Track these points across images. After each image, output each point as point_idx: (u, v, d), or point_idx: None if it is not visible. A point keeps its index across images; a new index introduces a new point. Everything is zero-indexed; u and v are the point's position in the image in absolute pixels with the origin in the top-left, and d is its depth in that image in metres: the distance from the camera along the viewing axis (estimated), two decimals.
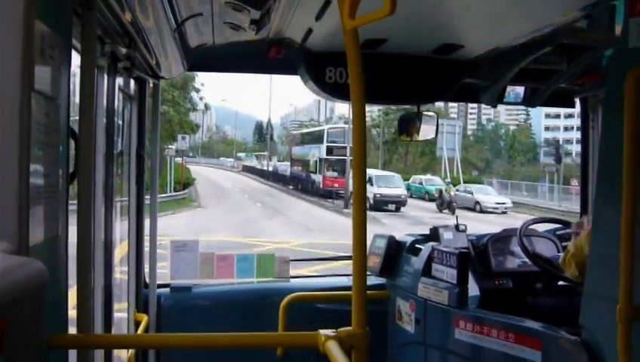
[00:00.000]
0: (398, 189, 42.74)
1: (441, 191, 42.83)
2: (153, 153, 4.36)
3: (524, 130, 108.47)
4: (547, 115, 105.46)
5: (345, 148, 43.04)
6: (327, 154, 47.65)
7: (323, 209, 40.14)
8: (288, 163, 71.21)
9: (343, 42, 1.89)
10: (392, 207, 40.65)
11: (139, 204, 4.08)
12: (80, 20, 2.12)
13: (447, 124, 55.92)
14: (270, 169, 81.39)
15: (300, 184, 54.18)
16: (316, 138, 50.93)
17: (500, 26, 3.45)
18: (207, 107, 57.40)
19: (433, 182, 52.15)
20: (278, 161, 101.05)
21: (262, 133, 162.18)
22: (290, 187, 57.07)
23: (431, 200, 47.10)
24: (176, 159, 49.41)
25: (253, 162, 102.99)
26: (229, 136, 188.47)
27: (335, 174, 47.11)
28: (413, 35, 3.66)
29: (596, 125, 4.67)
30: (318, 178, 48.81)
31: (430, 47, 3.90)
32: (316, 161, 49.24)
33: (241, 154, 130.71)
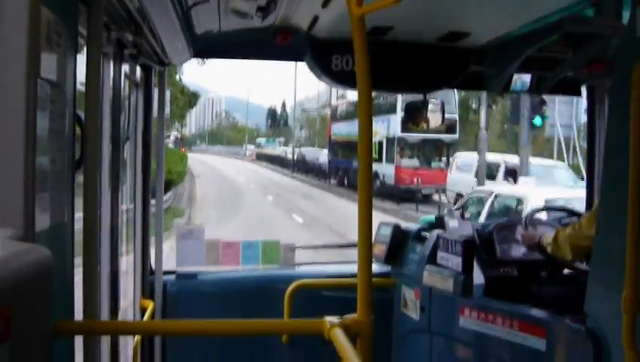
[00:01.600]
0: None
1: None
2: (160, 139, 4.36)
3: None
4: None
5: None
6: (403, 131, 30.07)
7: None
8: (311, 148, 61.79)
9: (350, 30, 1.89)
10: None
11: (145, 190, 4.09)
12: (86, 7, 2.12)
13: None
14: (289, 156, 62.89)
15: (348, 177, 36.68)
16: (380, 109, 30.68)
17: (507, 13, 3.43)
18: (194, 97, 49.63)
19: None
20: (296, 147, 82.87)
21: (275, 119, 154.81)
22: (332, 182, 40.97)
23: None
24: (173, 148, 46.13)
25: (277, 150, 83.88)
26: (240, 123, 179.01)
27: (416, 163, 31.60)
28: (420, 22, 3.65)
29: (603, 114, 4.65)
30: (386, 169, 31.93)
31: (436, 34, 3.89)
32: (381, 144, 32.12)
33: (261, 140, 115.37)
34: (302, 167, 53.40)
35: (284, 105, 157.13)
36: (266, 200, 32.50)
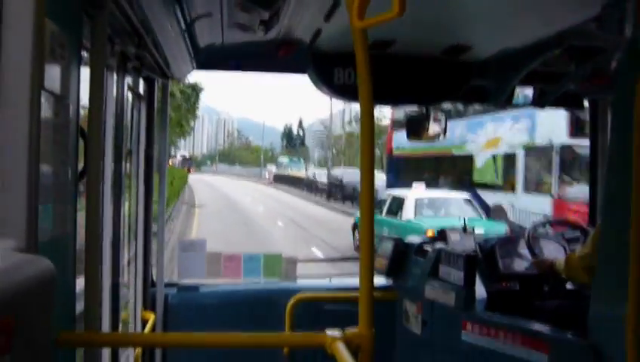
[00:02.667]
0: None
1: None
2: (162, 152, 4.38)
3: None
4: None
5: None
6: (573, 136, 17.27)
7: None
8: (350, 169, 48.27)
9: (352, 43, 1.89)
10: None
11: (147, 203, 4.10)
12: (90, 20, 2.13)
13: None
14: (318, 178, 52.47)
15: None
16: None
17: (509, 27, 3.44)
18: (195, 93, 42.68)
19: None
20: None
21: (292, 138, 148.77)
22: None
23: None
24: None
25: (301, 171, 73.85)
26: (253, 143, 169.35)
27: (578, 193, 16.26)
28: (422, 36, 3.66)
29: (605, 128, 4.65)
30: (526, 202, 18.83)
31: (439, 48, 3.90)
32: (511, 159, 20.23)
33: (283, 159, 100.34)
34: (337, 192, 42.40)
35: (300, 123, 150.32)
36: (310, 251, 18.99)
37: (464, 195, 18.58)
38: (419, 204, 17.63)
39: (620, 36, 3.22)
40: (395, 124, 28.77)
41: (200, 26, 3.38)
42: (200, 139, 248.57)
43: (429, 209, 17.74)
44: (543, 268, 3.90)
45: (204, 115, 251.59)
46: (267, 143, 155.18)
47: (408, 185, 19.73)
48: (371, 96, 1.92)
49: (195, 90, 42.78)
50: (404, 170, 27.34)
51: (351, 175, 42.74)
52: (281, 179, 66.68)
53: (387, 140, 31.73)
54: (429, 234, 9.60)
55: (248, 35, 3.61)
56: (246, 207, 37.63)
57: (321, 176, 53.83)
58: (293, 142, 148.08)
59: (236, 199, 44.01)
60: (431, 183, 22.32)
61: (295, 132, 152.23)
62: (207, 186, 54.74)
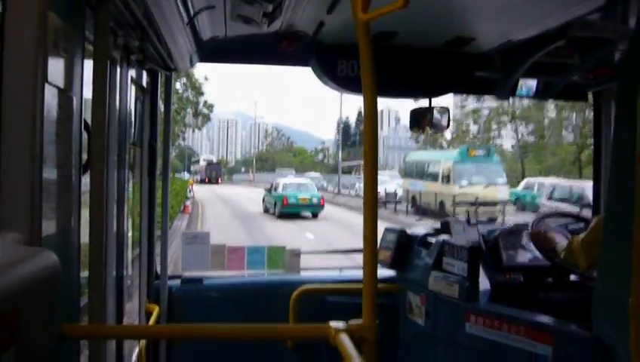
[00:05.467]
0: None
1: None
2: (165, 145, 4.38)
3: None
4: None
5: None
6: None
7: None
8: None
9: (355, 35, 1.89)
10: None
11: (151, 195, 4.10)
12: (93, 13, 2.13)
13: None
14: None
15: None
16: None
17: (512, 18, 3.43)
18: (206, 117, 41.07)
19: None
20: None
21: (349, 135, 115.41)
22: None
23: None
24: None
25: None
26: (295, 144, 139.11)
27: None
28: (425, 28, 3.65)
29: (609, 119, 4.64)
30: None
31: (442, 40, 3.89)
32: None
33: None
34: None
35: (360, 115, 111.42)
36: None
37: (307, 180, 38.69)
38: (284, 184, 35.94)
39: (625, 27, 3.21)
40: None
41: (203, 18, 3.38)
42: (233, 144, 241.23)
43: (289, 188, 35.21)
44: (545, 244, 3.84)
45: (237, 120, 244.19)
46: (310, 147, 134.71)
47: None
48: (375, 88, 1.92)
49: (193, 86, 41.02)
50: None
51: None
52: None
53: None
54: (284, 201, 32.82)
55: (251, 28, 3.61)
56: None
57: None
58: (351, 138, 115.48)
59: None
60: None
61: (353, 126, 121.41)
62: (234, 219, 31.23)
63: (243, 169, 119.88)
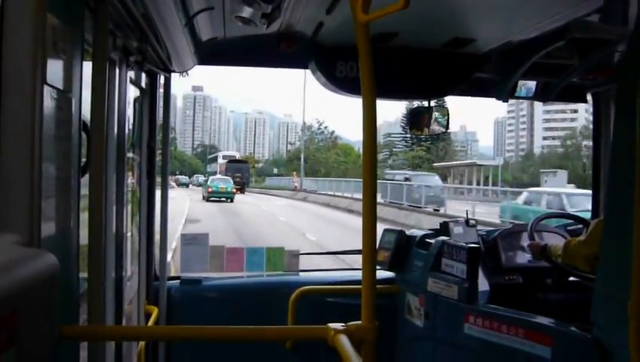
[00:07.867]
0: None
1: None
2: (164, 146, 4.38)
3: None
4: None
5: None
6: None
7: None
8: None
9: (354, 36, 1.89)
10: None
11: (150, 197, 4.10)
12: (92, 14, 2.13)
13: None
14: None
15: None
16: None
17: (512, 19, 3.43)
18: None
19: None
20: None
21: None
22: None
23: None
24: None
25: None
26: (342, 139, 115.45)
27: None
28: (425, 28, 3.65)
29: (609, 121, 4.64)
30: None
31: (441, 40, 3.89)
32: None
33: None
34: None
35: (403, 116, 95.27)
36: None
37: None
38: (213, 179, 53.65)
39: (624, 28, 3.21)
40: None
41: (202, 19, 3.38)
42: (260, 144, 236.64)
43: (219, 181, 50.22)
44: (537, 249, 3.88)
45: (265, 119, 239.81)
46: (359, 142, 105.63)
47: None
48: (374, 89, 1.92)
49: None
50: None
51: None
52: None
53: None
54: (210, 190, 50.51)
55: (250, 29, 3.60)
56: None
57: None
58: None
59: None
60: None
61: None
62: None
63: (275, 170, 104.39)
